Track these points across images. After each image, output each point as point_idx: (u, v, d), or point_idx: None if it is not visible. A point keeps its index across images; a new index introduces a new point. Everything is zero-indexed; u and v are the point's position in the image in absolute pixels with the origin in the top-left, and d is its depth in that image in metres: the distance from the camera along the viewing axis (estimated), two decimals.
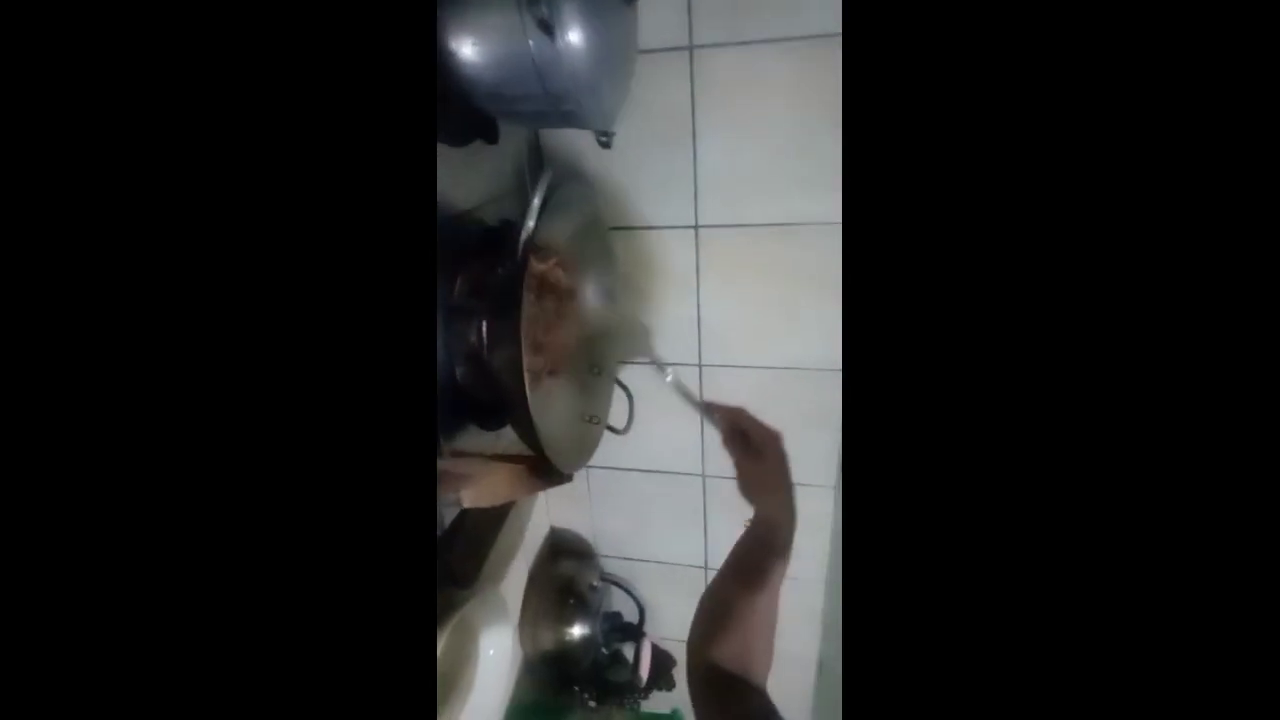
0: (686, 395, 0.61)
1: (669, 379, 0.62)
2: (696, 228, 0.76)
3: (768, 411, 0.84)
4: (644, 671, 0.98)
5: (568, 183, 0.58)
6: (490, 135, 0.57)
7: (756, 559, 0.51)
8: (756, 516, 0.55)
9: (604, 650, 0.97)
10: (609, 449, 0.71)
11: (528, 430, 0.53)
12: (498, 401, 0.58)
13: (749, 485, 0.56)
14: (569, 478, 0.61)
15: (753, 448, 0.56)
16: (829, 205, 0.71)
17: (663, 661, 1.03)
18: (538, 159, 0.76)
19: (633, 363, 0.80)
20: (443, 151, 0.55)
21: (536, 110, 0.49)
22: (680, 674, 1.04)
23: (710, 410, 0.59)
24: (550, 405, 0.62)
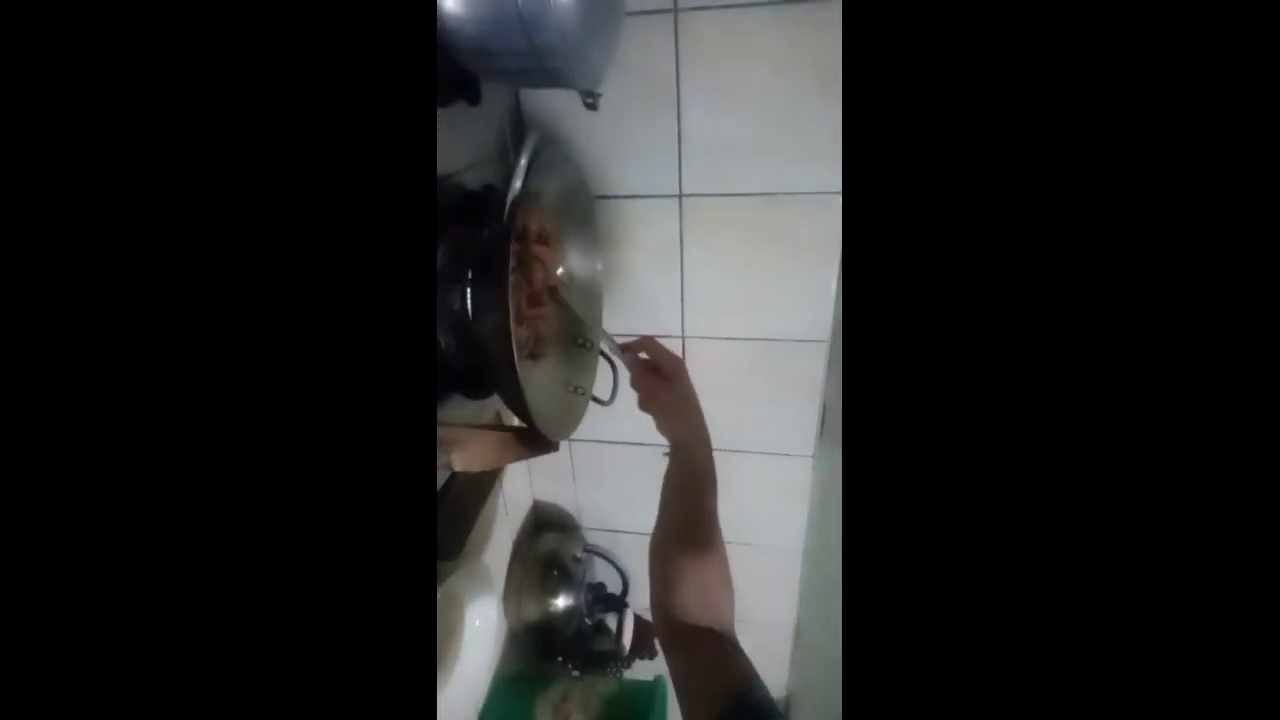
0: (605, 337, 0.63)
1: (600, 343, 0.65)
2: (680, 196, 0.75)
3: (749, 382, 0.86)
4: (627, 641, 1.00)
5: (551, 147, 0.56)
6: (473, 96, 0.55)
7: (685, 487, 0.53)
8: (674, 443, 0.57)
9: (588, 620, 0.98)
10: (592, 422, 0.70)
11: (516, 398, 0.52)
12: (484, 370, 0.57)
13: (660, 412, 0.58)
14: (556, 446, 0.61)
15: (660, 374, 0.59)
16: (815, 174, 0.71)
17: (645, 631, 1.04)
18: (519, 123, 0.75)
19: (621, 335, 0.79)
20: None
21: (521, 67, 0.48)
22: (659, 642, 1.05)
23: (620, 348, 0.62)
24: (536, 375, 0.61)
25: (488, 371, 0.58)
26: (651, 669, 1.01)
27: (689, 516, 0.50)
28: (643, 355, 0.62)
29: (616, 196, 0.77)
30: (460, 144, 0.61)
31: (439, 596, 0.63)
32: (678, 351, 0.84)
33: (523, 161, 0.49)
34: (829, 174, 0.70)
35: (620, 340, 0.63)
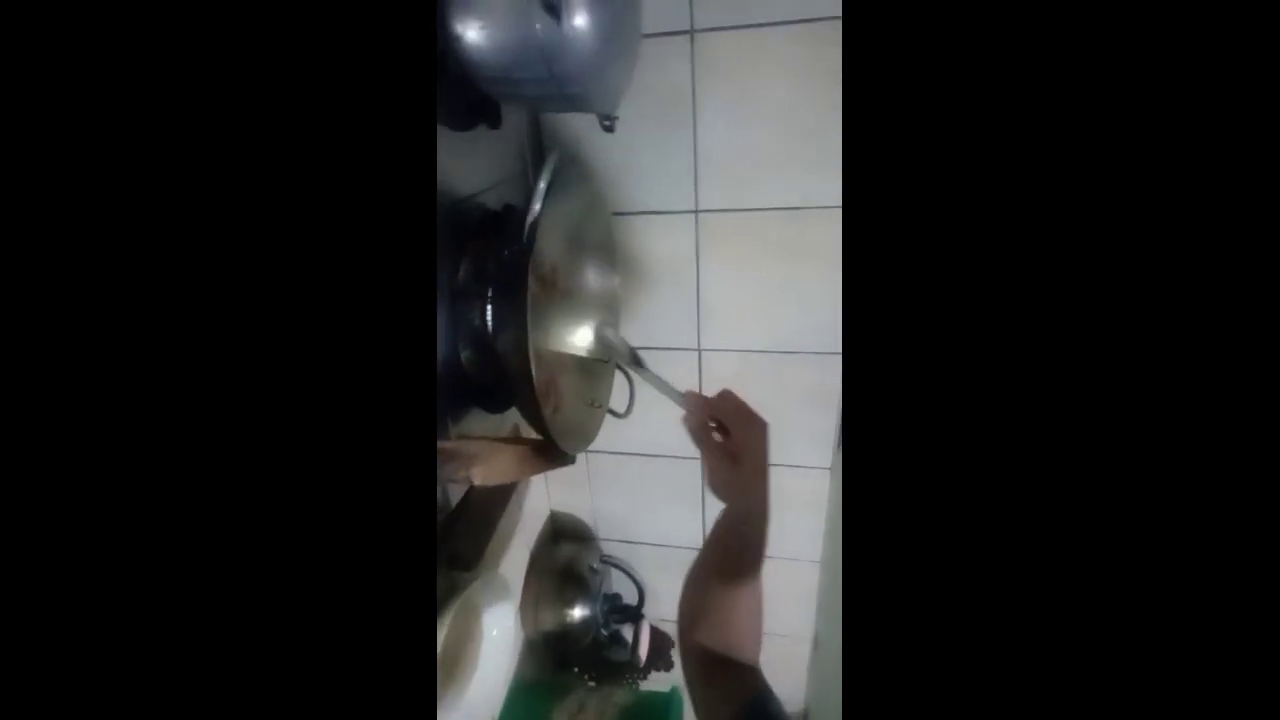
0: (661, 384, 0.55)
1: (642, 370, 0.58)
2: (697, 212, 0.76)
3: (766, 395, 0.86)
4: (643, 652, 1.00)
5: (570, 167, 0.58)
6: (493, 119, 0.57)
7: (734, 552, 0.49)
8: (730, 511, 0.51)
9: (604, 631, 0.99)
10: (609, 433, 0.72)
11: (533, 412, 0.53)
12: (503, 384, 0.58)
13: (724, 482, 0.51)
14: (573, 459, 0.62)
15: (733, 443, 0.51)
16: (829, 189, 0.71)
17: (661, 642, 1.04)
18: (539, 143, 0.76)
19: (639, 349, 0.80)
20: (445, 136, 0.55)
21: (542, 94, 0.49)
22: (678, 654, 1.06)
23: (692, 398, 0.53)
24: (554, 389, 0.62)
25: (506, 386, 0.59)
26: (667, 680, 1.01)
27: (734, 579, 0.47)
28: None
29: (634, 213, 0.78)
30: (481, 164, 0.63)
31: (457, 606, 0.64)
32: (693, 365, 0.86)
33: (542, 184, 0.51)
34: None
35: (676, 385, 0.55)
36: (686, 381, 0.86)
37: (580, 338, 0.64)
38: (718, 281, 0.80)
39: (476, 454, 0.52)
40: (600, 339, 0.60)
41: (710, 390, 0.55)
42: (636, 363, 0.58)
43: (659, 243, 0.79)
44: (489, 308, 0.55)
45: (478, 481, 0.50)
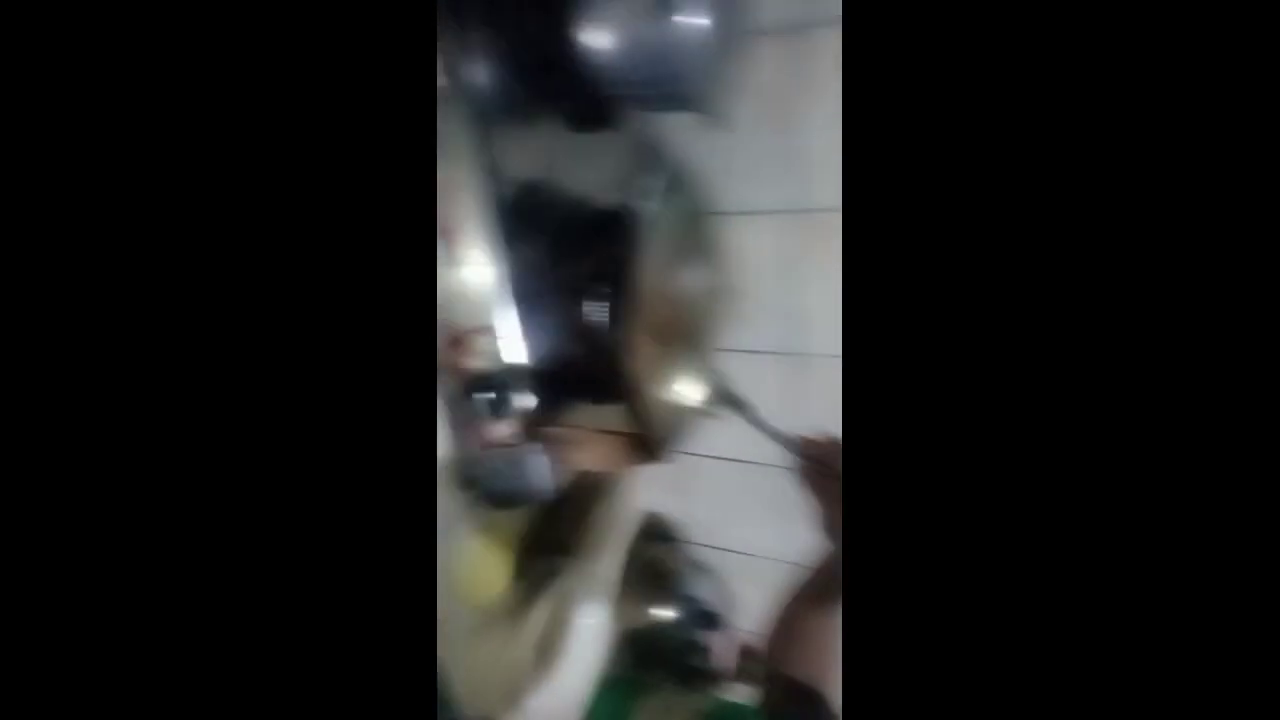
0: (769, 429, 0.56)
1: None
2: (804, 212, 0.75)
3: None
4: (730, 661, 0.98)
5: (680, 167, 0.58)
6: (612, 121, 0.59)
7: (830, 596, 0.52)
8: (836, 552, 0.54)
9: (690, 636, 0.98)
10: (706, 436, 0.71)
11: (633, 408, 0.54)
12: (607, 378, 0.60)
13: (831, 527, 0.55)
14: (665, 457, 0.62)
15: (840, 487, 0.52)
16: None
17: (746, 654, 1.02)
18: (652, 144, 0.78)
19: (742, 352, 0.79)
20: (563, 136, 0.57)
21: (660, 94, 0.51)
22: (762, 675, 1.03)
23: (797, 445, 0.55)
24: (656, 387, 0.63)
25: (610, 380, 0.60)
26: (750, 693, 0.99)
27: (826, 619, 0.51)
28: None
29: (738, 213, 0.78)
30: (596, 165, 0.65)
31: (553, 592, 0.67)
32: (796, 371, 0.83)
33: (653, 183, 0.52)
34: None
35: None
36: (790, 385, 0.84)
37: (690, 389, 0.65)
38: (825, 282, 0.78)
39: (572, 440, 0.54)
40: (717, 391, 0.62)
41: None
42: (744, 410, 0.60)
43: (763, 243, 0.78)
44: (598, 304, 0.57)
45: (574, 465, 0.52)
